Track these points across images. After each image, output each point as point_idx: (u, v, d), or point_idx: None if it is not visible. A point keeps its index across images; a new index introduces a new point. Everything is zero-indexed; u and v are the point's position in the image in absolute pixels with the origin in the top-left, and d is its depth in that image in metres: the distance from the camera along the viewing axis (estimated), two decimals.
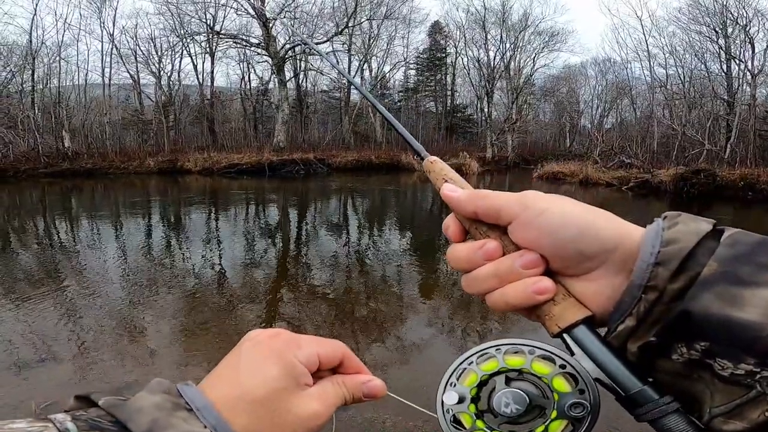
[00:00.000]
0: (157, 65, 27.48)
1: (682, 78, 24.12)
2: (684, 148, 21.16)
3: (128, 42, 27.36)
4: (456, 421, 0.37)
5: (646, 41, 25.25)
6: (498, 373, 0.37)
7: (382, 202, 15.16)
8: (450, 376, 0.38)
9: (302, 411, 0.35)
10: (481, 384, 0.37)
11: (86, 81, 27.28)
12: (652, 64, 25.28)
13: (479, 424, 0.37)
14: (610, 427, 2.53)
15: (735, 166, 17.65)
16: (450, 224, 0.41)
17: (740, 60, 21.00)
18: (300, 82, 31.49)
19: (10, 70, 22.81)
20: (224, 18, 26.71)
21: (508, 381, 0.37)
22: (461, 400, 0.37)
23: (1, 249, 8.02)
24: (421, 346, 4.10)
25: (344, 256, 7.57)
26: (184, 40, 26.85)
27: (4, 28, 36.83)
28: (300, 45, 25.09)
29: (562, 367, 0.35)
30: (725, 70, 22.00)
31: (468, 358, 0.38)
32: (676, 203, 13.98)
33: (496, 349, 0.37)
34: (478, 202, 0.39)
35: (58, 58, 24.49)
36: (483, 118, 32.91)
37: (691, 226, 0.32)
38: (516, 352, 0.37)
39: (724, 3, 20.43)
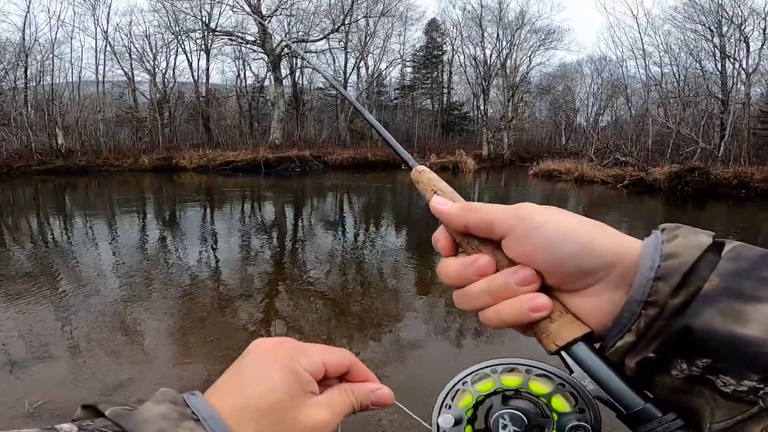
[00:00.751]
0: (151, 62, 27.38)
1: (677, 76, 24.30)
2: (678, 147, 21.29)
3: (122, 39, 27.24)
4: None
5: (641, 39, 25.33)
6: (494, 393, 0.36)
7: (378, 199, 15.15)
8: (444, 397, 0.37)
9: (309, 419, 0.35)
10: (477, 404, 0.36)
11: (80, 78, 27.12)
12: (647, 62, 25.44)
13: None
14: None
15: (729, 164, 17.76)
16: (440, 238, 0.40)
17: (735, 59, 21.16)
18: (296, 79, 31.36)
19: (3, 68, 22.68)
20: (220, 15, 26.65)
21: (505, 399, 0.36)
22: (458, 422, 0.36)
23: None
24: (417, 344, 4.10)
25: (340, 254, 7.56)
26: (179, 37, 26.72)
27: None
28: (296, 43, 25.00)
29: (561, 386, 0.35)
30: (720, 69, 22.16)
31: (462, 378, 0.37)
32: (671, 201, 14.04)
33: (492, 369, 0.36)
34: (470, 216, 0.37)
35: (51, 56, 24.35)
36: (479, 115, 32.99)
37: (692, 240, 0.32)
38: (512, 371, 0.36)
39: (720, 2, 20.55)
